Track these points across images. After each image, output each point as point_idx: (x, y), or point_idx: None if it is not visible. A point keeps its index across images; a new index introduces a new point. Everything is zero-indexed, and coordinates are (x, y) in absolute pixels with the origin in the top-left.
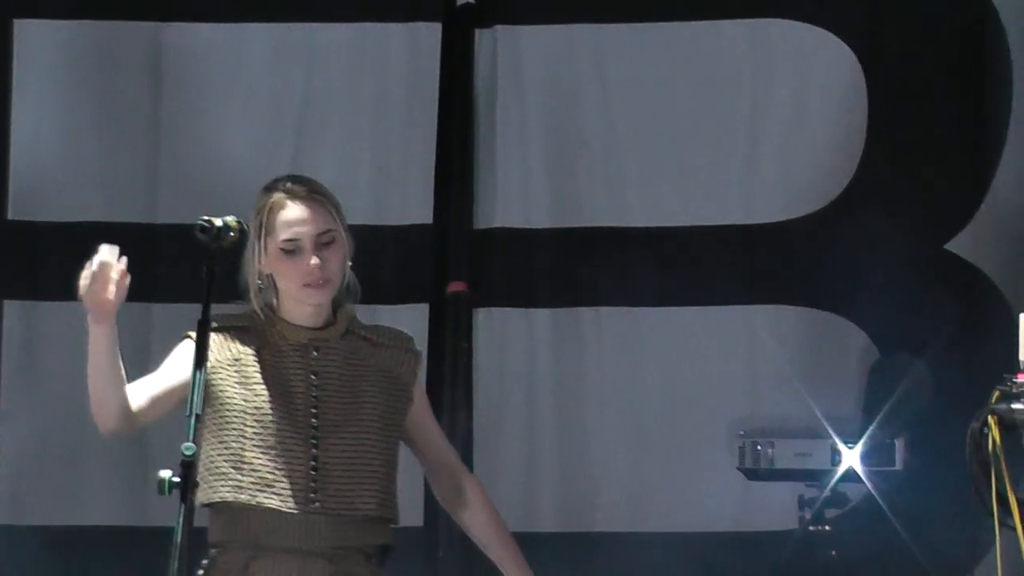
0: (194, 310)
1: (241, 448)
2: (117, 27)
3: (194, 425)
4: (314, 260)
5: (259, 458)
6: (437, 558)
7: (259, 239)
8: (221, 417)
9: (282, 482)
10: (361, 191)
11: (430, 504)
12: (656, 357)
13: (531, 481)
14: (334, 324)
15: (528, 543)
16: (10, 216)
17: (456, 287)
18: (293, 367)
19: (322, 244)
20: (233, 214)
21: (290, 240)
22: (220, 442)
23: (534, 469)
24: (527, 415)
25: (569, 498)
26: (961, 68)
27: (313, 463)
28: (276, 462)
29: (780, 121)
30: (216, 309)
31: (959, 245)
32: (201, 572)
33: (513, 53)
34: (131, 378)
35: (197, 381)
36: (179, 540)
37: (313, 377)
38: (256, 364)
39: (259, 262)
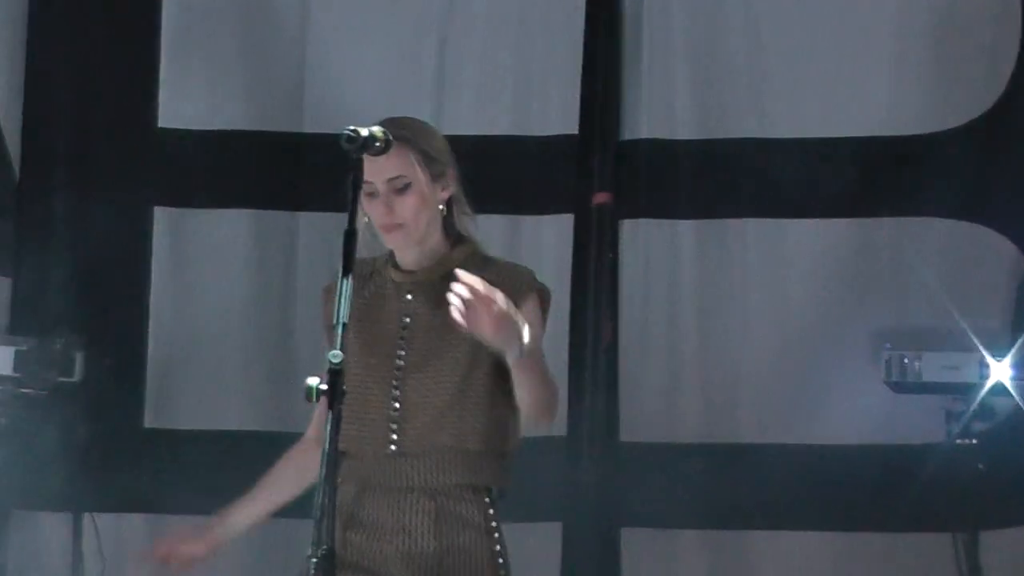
0: (339, 218)
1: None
2: None
3: (341, 333)
4: (383, 207)
5: (353, 399)
6: (580, 468)
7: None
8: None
9: (367, 425)
10: (506, 101)
11: (574, 414)
12: (801, 269)
13: (675, 392)
14: (431, 266)
15: (671, 453)
16: (160, 124)
17: (601, 198)
18: (388, 310)
19: (395, 190)
20: (379, 125)
21: (368, 183)
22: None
23: (678, 380)
24: (671, 326)
25: (713, 409)
26: None
27: (396, 404)
28: (362, 405)
29: (928, 31)
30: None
31: None
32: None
33: None
34: (259, 302)
35: (343, 289)
36: (327, 446)
37: (406, 319)
38: (360, 310)
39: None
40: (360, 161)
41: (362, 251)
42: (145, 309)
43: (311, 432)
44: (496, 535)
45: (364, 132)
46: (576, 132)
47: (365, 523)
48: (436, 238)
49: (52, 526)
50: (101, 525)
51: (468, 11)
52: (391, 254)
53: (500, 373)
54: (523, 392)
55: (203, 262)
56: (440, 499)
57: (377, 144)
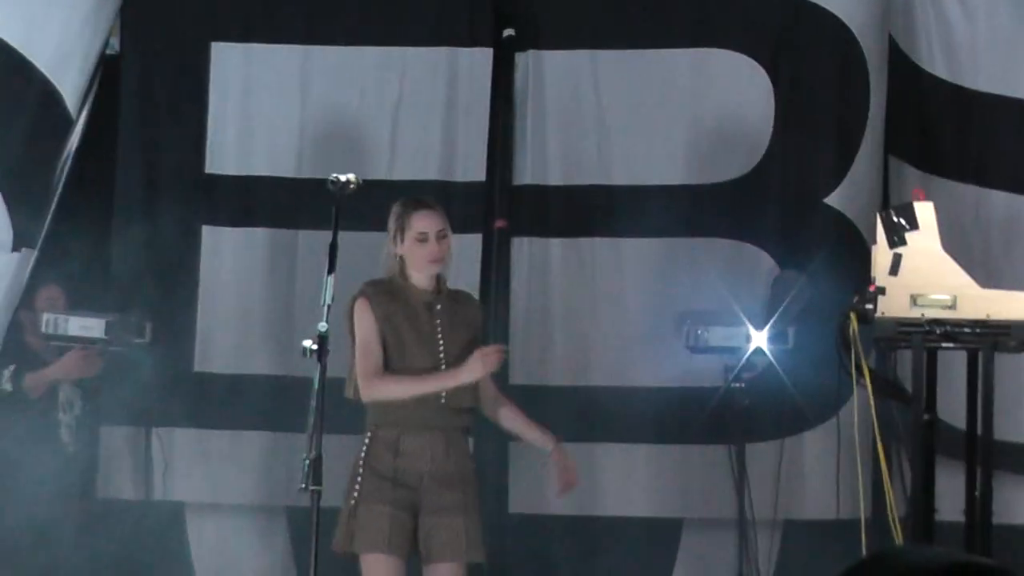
0: (326, 234)
1: (397, 367)
2: None
3: (327, 311)
4: (436, 247)
5: (412, 369)
6: None
7: (399, 232)
8: (386, 351)
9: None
10: (436, 157)
11: None
12: (633, 271)
13: (548, 349)
14: (440, 289)
15: (547, 391)
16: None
17: (500, 223)
18: (424, 316)
19: (440, 237)
20: (353, 172)
21: (422, 233)
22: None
23: (551, 339)
24: (544, 308)
25: (574, 361)
26: (837, 79)
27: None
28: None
29: (715, 118)
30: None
31: (834, 199)
32: (367, 442)
33: (538, 68)
34: (273, 290)
35: (327, 284)
36: (316, 387)
37: (438, 322)
38: (401, 316)
39: (397, 247)
40: (340, 196)
41: (377, 273)
42: (195, 295)
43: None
44: (473, 457)
45: (343, 178)
46: (484, 179)
47: (408, 454)
48: None
49: (129, 436)
50: (163, 437)
51: (413, 97)
52: (403, 277)
53: None
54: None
55: (235, 263)
56: (450, 435)
57: (351, 186)
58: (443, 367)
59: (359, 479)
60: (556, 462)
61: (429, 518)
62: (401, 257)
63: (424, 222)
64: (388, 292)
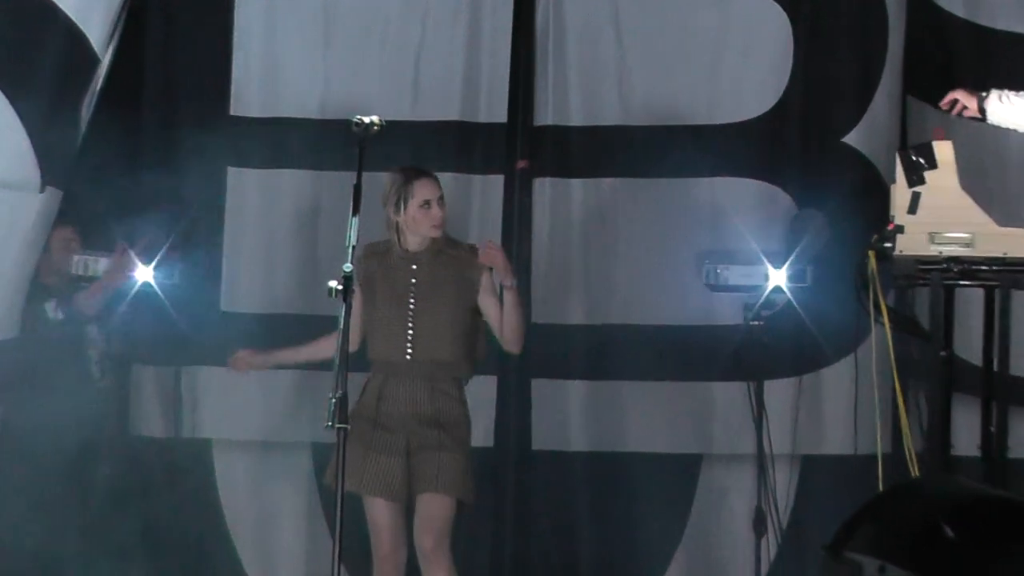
0: (350, 175)
1: (371, 322)
2: None
3: (351, 252)
4: (439, 212)
5: (381, 329)
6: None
7: (401, 200)
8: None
9: (391, 343)
10: (458, 98)
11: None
12: (652, 215)
13: (568, 287)
14: (428, 248)
15: (568, 329)
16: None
17: (522, 164)
18: (401, 275)
19: (440, 203)
20: (376, 114)
21: (426, 200)
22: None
23: (570, 278)
24: (564, 245)
25: (595, 300)
26: (856, 19)
27: (409, 332)
28: (388, 331)
29: (734, 58)
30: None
31: (852, 139)
32: (366, 382)
33: (559, 10)
34: (298, 230)
35: (352, 225)
36: (343, 326)
37: (412, 280)
38: (380, 273)
39: (398, 215)
40: (366, 139)
41: (380, 236)
42: (221, 236)
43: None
44: (464, 402)
45: (366, 119)
46: (505, 120)
47: (389, 398)
48: None
49: (158, 375)
50: (191, 376)
51: (435, 39)
52: (398, 240)
53: (474, 312)
54: (506, 314)
55: (260, 204)
56: (435, 383)
57: (375, 127)
58: (409, 322)
59: (348, 421)
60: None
61: (414, 456)
62: (397, 223)
63: (426, 190)
64: (378, 254)
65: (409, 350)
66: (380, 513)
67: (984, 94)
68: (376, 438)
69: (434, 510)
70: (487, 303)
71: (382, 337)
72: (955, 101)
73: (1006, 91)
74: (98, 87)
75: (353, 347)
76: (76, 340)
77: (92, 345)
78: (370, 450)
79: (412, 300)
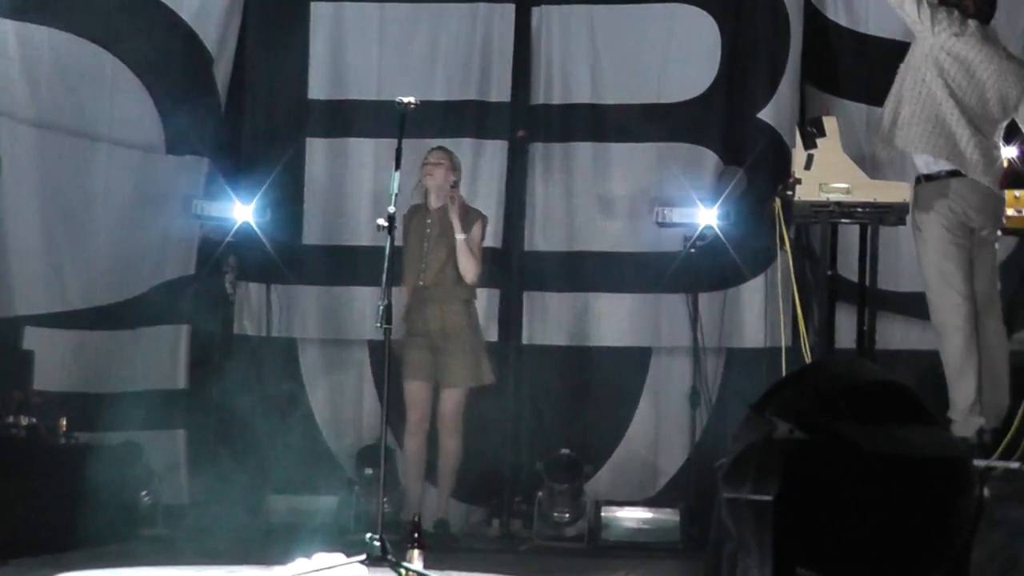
0: (394, 141)
1: (408, 260)
2: None
3: (394, 198)
4: (434, 171)
5: (412, 263)
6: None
7: (421, 166)
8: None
9: (412, 272)
10: (474, 83)
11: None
12: (617, 171)
13: (553, 220)
14: (441, 207)
15: (559, 256)
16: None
17: (522, 133)
18: (422, 226)
19: (436, 165)
20: (413, 95)
21: (427, 163)
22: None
23: (554, 215)
24: (553, 190)
25: (577, 230)
26: (767, 25)
27: (423, 265)
28: (413, 264)
29: (678, 53)
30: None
31: (765, 114)
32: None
33: (548, 19)
34: (356, 182)
35: (395, 178)
36: (388, 253)
37: (427, 231)
38: (413, 227)
39: (422, 180)
40: (405, 114)
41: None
42: (302, 186)
43: None
44: (475, 318)
45: (406, 100)
46: (509, 100)
47: (415, 317)
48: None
49: (256, 290)
50: (280, 291)
51: (459, 39)
52: (425, 201)
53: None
54: (458, 255)
55: (331, 165)
56: (445, 305)
57: (412, 106)
58: (423, 265)
59: (402, 328)
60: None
61: (441, 357)
62: (426, 188)
63: (431, 156)
64: (414, 212)
65: (422, 276)
66: (415, 392)
67: None
68: (419, 341)
69: (448, 398)
70: (461, 247)
71: (413, 269)
72: None
73: None
74: (225, 79)
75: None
76: (217, 269)
77: (227, 270)
78: (415, 348)
79: (426, 246)
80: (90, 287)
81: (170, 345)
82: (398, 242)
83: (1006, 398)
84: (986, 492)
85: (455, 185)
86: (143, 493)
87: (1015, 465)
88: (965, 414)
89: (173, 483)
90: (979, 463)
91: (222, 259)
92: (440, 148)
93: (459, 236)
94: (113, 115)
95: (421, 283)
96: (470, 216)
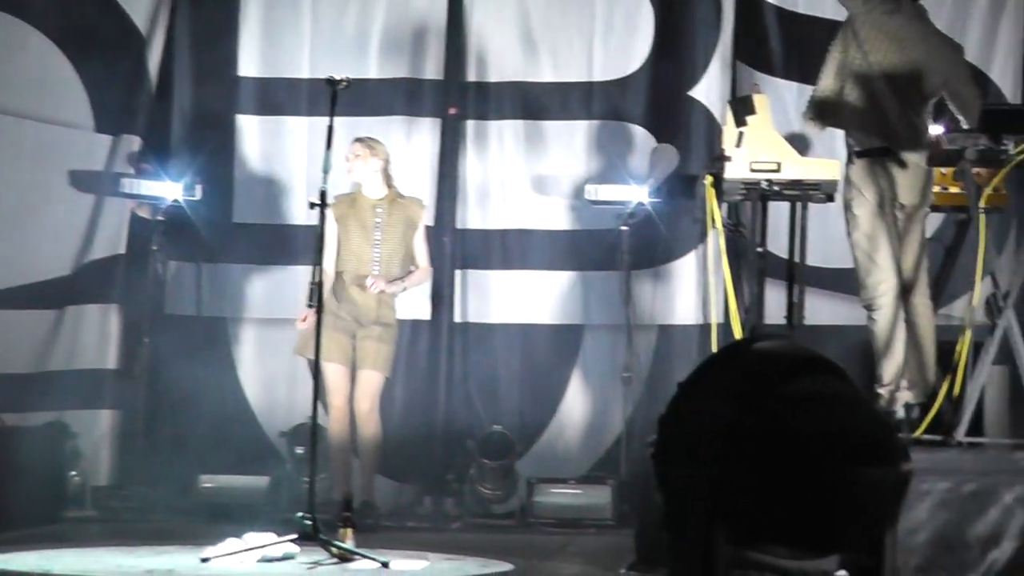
0: (326, 119)
1: (347, 249)
2: None
3: (325, 177)
4: (353, 163)
5: (353, 253)
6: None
7: (348, 160)
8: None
9: (362, 263)
10: (407, 60)
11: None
12: (550, 147)
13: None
14: (385, 196)
15: (493, 233)
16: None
17: (453, 110)
18: (369, 215)
19: (358, 158)
20: (346, 73)
21: (348, 159)
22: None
23: (487, 194)
24: (486, 166)
25: (508, 206)
26: (699, 5)
27: (376, 255)
28: (359, 254)
29: (610, 34)
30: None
31: (696, 92)
32: (333, 285)
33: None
34: (288, 160)
35: (327, 156)
36: (318, 233)
37: (378, 220)
38: (351, 216)
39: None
40: (337, 92)
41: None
42: (232, 165)
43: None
44: (394, 307)
45: (338, 77)
46: (442, 77)
47: (350, 300)
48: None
49: (187, 269)
50: (209, 269)
51: (393, 17)
52: (359, 190)
53: (410, 243)
54: (408, 283)
55: (261, 142)
56: (382, 294)
57: (344, 84)
58: (376, 251)
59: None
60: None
61: (359, 341)
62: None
63: (350, 149)
64: (350, 201)
65: (376, 268)
66: (335, 375)
67: None
68: (337, 323)
69: (368, 381)
70: (417, 242)
71: (354, 259)
72: None
73: None
74: (158, 58)
75: (333, 268)
76: (147, 248)
77: (157, 249)
78: (334, 331)
79: (378, 234)
80: (17, 266)
81: (99, 325)
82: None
83: (932, 373)
84: (912, 466)
85: (387, 171)
86: (71, 474)
87: (940, 439)
88: (892, 389)
89: (102, 464)
90: (906, 437)
91: (152, 238)
92: (358, 140)
93: (398, 289)
94: (39, 92)
95: (377, 270)
96: (412, 205)
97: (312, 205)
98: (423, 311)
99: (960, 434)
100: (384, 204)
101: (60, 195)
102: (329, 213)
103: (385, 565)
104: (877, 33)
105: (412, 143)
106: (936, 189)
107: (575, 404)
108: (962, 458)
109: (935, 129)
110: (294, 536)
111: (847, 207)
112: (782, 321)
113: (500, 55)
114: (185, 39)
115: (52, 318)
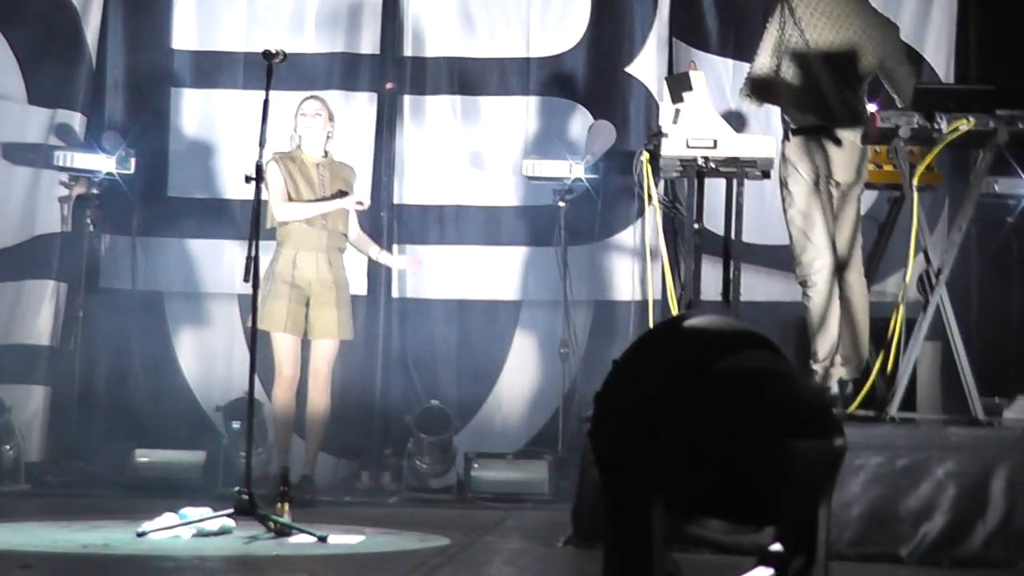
0: (262, 92)
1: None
2: None
3: (261, 152)
4: (312, 122)
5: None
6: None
7: (296, 116)
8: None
9: (309, 223)
10: (342, 35)
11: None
12: (486, 123)
13: (422, 170)
14: (324, 159)
15: (434, 210)
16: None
17: (390, 85)
18: (312, 172)
19: (315, 115)
20: (283, 47)
21: (305, 115)
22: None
23: (425, 169)
24: (423, 142)
25: (446, 182)
26: None
27: (323, 220)
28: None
29: (547, 11)
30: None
31: (633, 68)
32: (274, 255)
33: None
34: (224, 133)
35: (263, 129)
36: (254, 206)
37: (320, 179)
38: (297, 173)
39: (296, 129)
40: (270, 66)
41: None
42: (167, 138)
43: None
44: (344, 269)
45: (275, 51)
46: (379, 52)
47: (301, 265)
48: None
49: (122, 242)
50: (145, 243)
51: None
52: (300, 150)
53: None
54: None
55: (197, 115)
56: (329, 253)
57: (279, 58)
58: (323, 221)
59: (269, 282)
60: (411, 262)
61: (315, 310)
62: (300, 136)
63: (309, 107)
64: (290, 158)
65: (324, 223)
66: (287, 345)
67: None
68: (293, 295)
69: (322, 350)
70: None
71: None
72: None
73: None
74: (95, 32)
75: (271, 224)
76: (82, 222)
77: (92, 222)
78: (288, 301)
79: (323, 191)
80: None
81: (35, 299)
82: (265, 196)
83: (866, 349)
84: (846, 441)
85: (329, 135)
86: (6, 448)
87: (873, 414)
88: (827, 365)
89: (36, 438)
90: (840, 412)
91: (86, 212)
92: (314, 97)
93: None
94: None
95: (324, 228)
96: (347, 170)
97: (248, 179)
98: (360, 286)
99: (893, 409)
100: (325, 165)
101: None
102: (275, 165)
103: (323, 539)
104: (814, 11)
105: (349, 118)
106: (870, 167)
107: (512, 379)
108: (895, 433)
109: (871, 107)
110: (230, 511)
111: (783, 184)
112: (718, 298)
113: (437, 30)
114: (119, 10)
115: None
